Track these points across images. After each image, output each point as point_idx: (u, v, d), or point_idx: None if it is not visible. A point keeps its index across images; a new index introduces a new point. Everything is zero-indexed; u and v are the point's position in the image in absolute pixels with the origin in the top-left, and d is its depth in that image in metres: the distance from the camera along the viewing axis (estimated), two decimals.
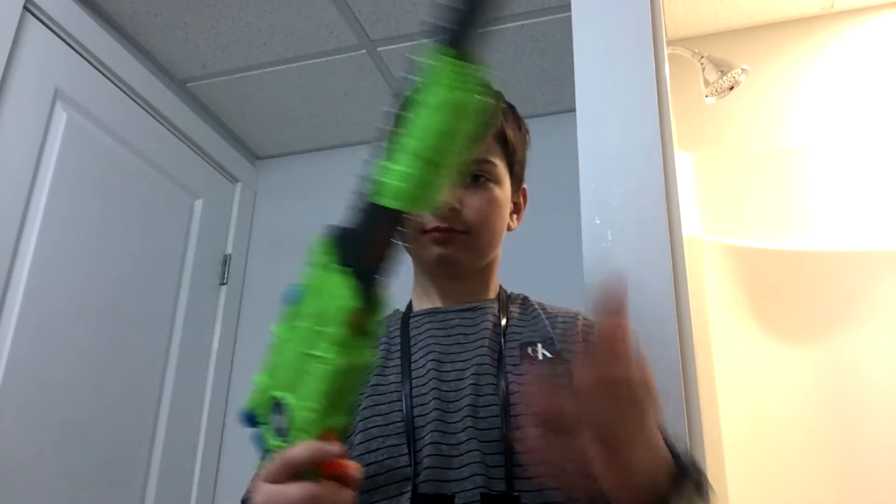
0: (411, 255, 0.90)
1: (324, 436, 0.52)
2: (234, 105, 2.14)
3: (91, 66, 1.73)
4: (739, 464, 1.39)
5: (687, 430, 0.90)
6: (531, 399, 0.58)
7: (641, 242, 0.99)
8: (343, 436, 0.53)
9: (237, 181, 2.25)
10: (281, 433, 0.54)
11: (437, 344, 0.84)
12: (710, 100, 1.70)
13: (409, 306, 0.94)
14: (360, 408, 0.80)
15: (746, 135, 1.79)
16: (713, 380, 1.45)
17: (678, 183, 1.04)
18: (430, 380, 0.80)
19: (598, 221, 1.02)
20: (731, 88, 1.67)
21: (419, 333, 0.87)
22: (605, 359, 0.55)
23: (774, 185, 1.67)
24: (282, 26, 1.83)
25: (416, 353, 0.84)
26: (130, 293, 1.79)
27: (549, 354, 0.83)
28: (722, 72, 1.66)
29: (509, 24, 1.81)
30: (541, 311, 0.90)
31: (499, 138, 0.91)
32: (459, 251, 0.87)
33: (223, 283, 2.13)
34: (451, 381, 0.80)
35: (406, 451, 0.75)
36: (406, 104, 0.52)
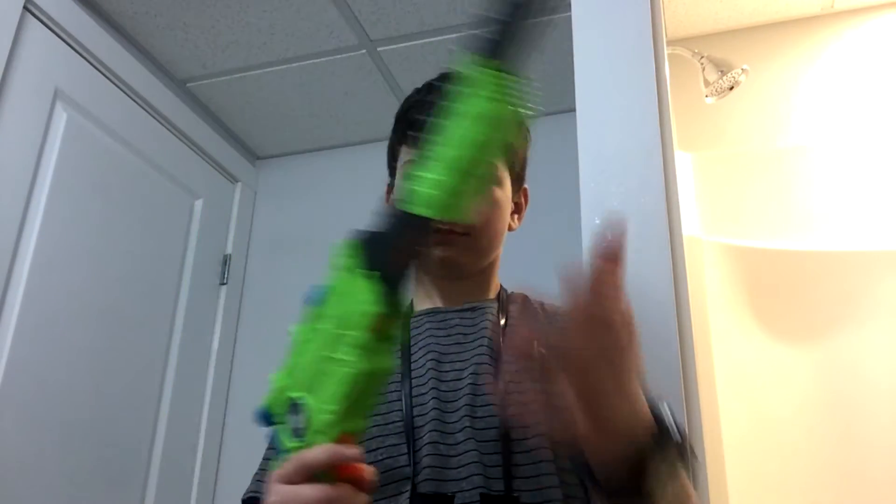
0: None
1: (341, 439, 0.52)
2: (234, 105, 2.14)
3: (91, 66, 1.73)
4: (739, 464, 1.39)
5: (687, 430, 0.91)
6: (515, 333, 0.58)
7: (641, 242, 0.99)
8: (359, 439, 0.53)
9: (237, 181, 2.25)
10: (297, 434, 0.53)
11: (437, 344, 0.84)
12: (710, 100, 1.70)
13: (410, 306, 0.94)
14: None
15: (746, 135, 1.79)
16: (713, 380, 1.45)
17: (678, 183, 1.04)
18: (429, 380, 0.80)
19: (598, 221, 1.02)
20: (731, 88, 1.67)
21: (419, 333, 0.87)
22: (595, 298, 0.55)
23: (774, 185, 1.67)
24: (282, 26, 1.83)
25: (415, 352, 0.84)
26: (130, 293, 1.79)
27: None
28: (722, 72, 1.66)
29: None
30: (540, 311, 0.90)
31: None
32: (461, 253, 0.87)
33: (223, 283, 2.13)
34: (450, 380, 0.80)
35: (405, 450, 0.75)
36: (442, 112, 0.52)
